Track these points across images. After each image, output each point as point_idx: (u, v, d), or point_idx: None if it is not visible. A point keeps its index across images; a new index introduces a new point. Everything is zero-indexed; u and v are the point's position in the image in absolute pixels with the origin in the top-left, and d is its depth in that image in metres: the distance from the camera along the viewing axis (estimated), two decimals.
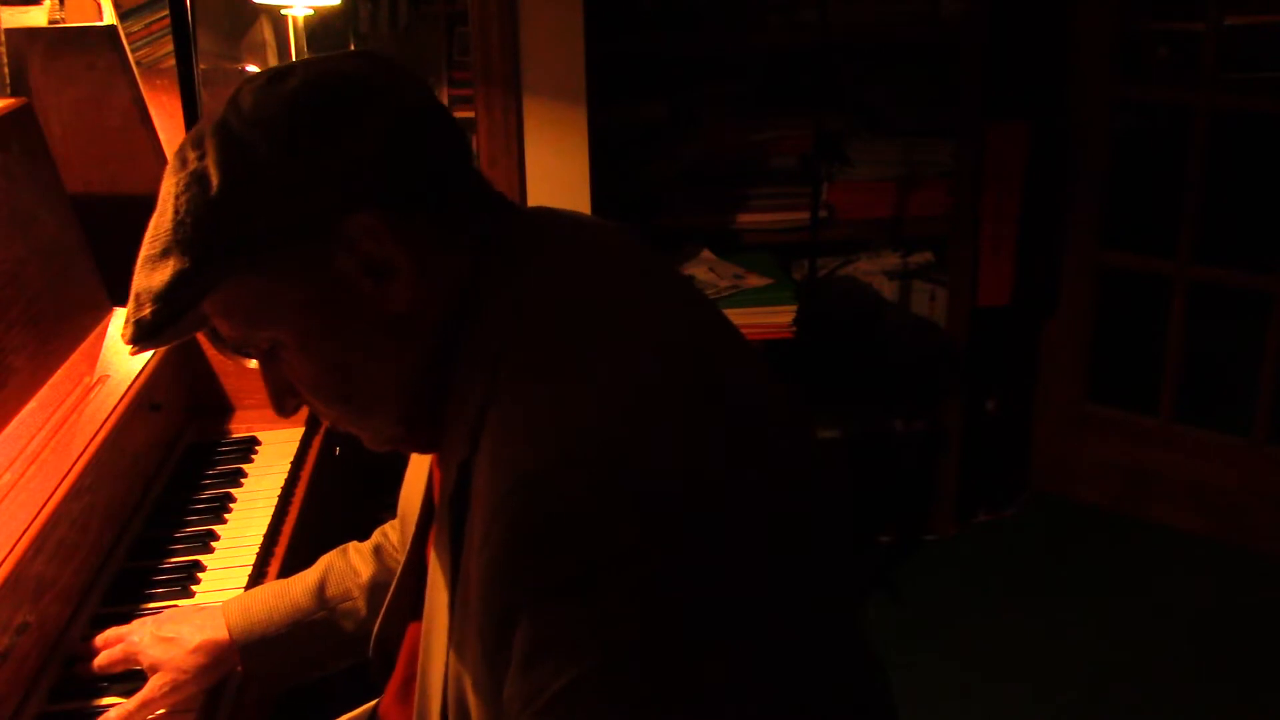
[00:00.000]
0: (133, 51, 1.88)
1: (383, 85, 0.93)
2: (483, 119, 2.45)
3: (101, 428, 1.44)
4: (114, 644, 1.28)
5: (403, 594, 1.18)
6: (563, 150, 2.48)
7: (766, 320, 2.53)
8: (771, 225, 2.81)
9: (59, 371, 1.51)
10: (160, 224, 0.91)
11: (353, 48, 2.51)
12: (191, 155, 0.90)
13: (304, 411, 1.02)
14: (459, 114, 2.51)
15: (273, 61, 2.42)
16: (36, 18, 1.83)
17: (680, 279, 1.08)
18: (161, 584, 1.42)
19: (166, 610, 1.34)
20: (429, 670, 1.01)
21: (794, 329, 2.52)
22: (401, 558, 1.19)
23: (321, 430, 1.76)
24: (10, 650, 1.17)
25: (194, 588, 1.42)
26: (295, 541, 1.56)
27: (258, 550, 1.50)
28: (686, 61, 2.94)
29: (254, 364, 1.51)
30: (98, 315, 1.63)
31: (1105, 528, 3.02)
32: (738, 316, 2.50)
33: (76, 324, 1.57)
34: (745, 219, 2.82)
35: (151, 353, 1.47)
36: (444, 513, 0.94)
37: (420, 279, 0.91)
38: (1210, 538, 2.93)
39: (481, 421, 0.88)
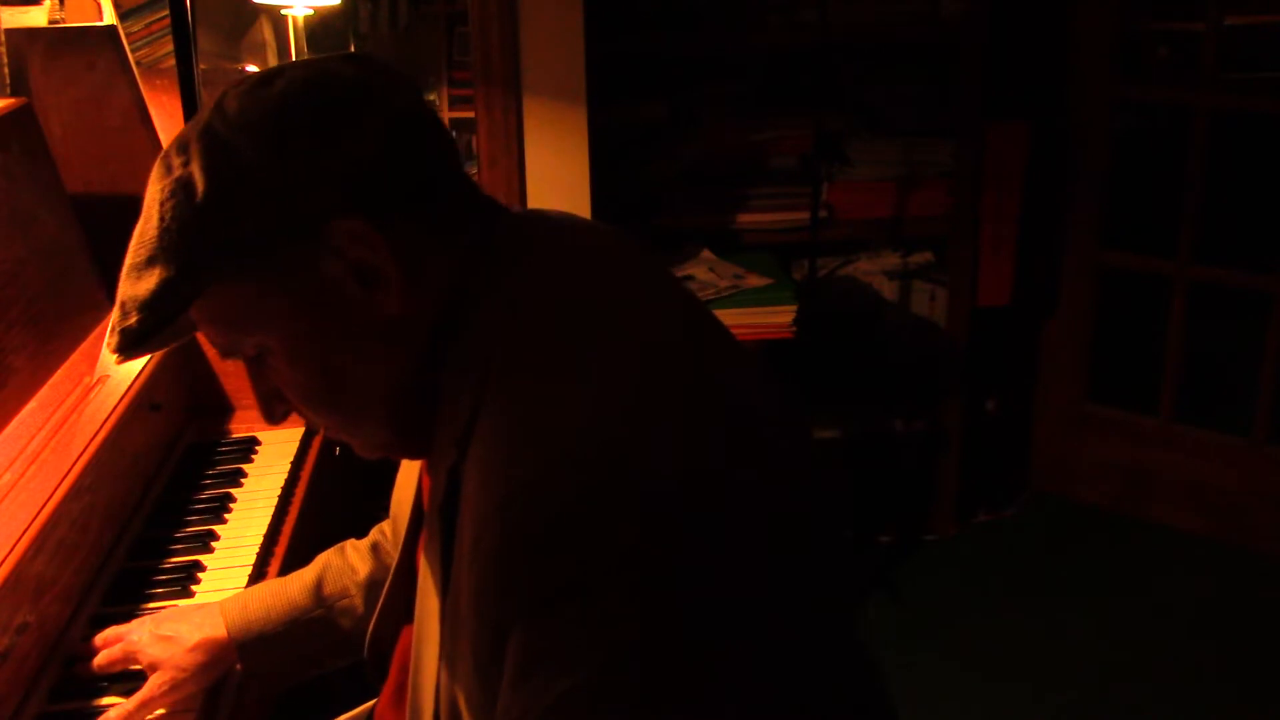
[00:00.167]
0: (133, 51, 1.88)
1: (369, 88, 0.92)
2: (483, 119, 2.45)
3: (101, 428, 1.44)
4: (113, 643, 1.28)
5: (395, 597, 1.17)
6: (563, 150, 2.48)
7: (766, 320, 2.53)
8: (771, 225, 2.81)
9: (59, 371, 1.51)
10: (145, 231, 0.90)
11: (353, 48, 2.51)
12: (176, 161, 0.89)
13: None
14: (459, 114, 2.51)
15: (273, 61, 2.42)
16: (36, 18, 1.83)
17: (672, 279, 1.07)
18: (161, 584, 1.42)
19: (165, 609, 1.34)
20: (420, 680, 1.00)
21: (794, 329, 2.52)
22: (395, 557, 1.19)
23: (321, 431, 1.76)
24: (10, 650, 1.17)
25: (194, 588, 1.42)
26: (295, 541, 1.56)
27: (258, 550, 1.50)
28: (686, 61, 2.94)
29: None
30: (98, 315, 1.63)
31: (1105, 528, 3.02)
32: (738, 316, 2.54)
33: (76, 324, 1.57)
34: (745, 219, 2.82)
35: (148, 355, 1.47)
36: (433, 519, 0.93)
37: (409, 283, 0.91)
38: (1210, 538, 2.93)
39: (471, 427, 0.87)
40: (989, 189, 2.76)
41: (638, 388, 0.86)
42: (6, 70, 1.75)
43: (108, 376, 1.53)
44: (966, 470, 2.97)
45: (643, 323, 0.94)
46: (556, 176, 2.49)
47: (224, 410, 1.81)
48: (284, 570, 1.49)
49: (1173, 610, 2.70)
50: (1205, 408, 3.06)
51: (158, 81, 1.98)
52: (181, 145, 0.90)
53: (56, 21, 1.85)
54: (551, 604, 0.78)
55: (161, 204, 0.89)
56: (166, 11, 1.79)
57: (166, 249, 0.88)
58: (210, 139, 0.89)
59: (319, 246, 0.88)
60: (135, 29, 2.11)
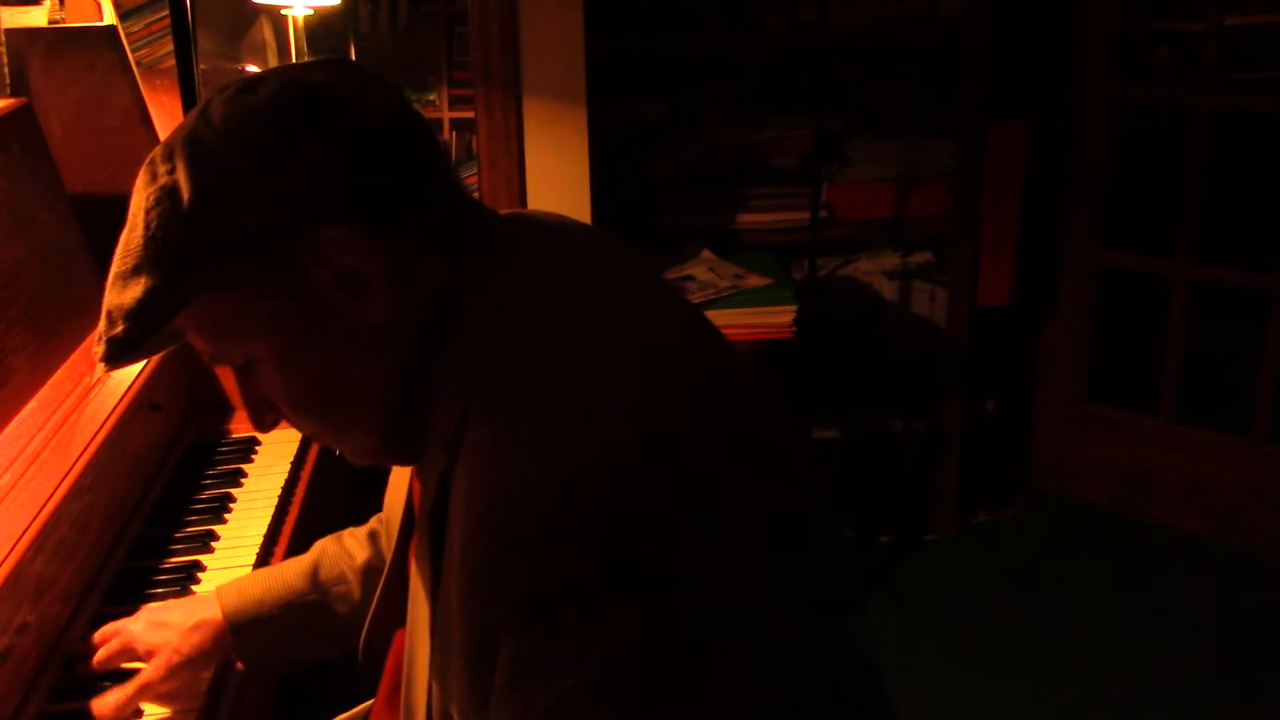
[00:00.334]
0: (133, 51, 1.88)
1: (354, 94, 0.91)
2: (483, 119, 2.45)
3: (101, 428, 1.44)
4: (110, 639, 1.29)
5: (388, 600, 1.17)
6: (563, 150, 2.48)
7: (766, 320, 2.53)
8: (771, 225, 2.81)
9: (59, 371, 1.51)
10: (131, 240, 0.89)
11: (353, 48, 2.51)
12: (162, 169, 0.89)
13: None
14: (459, 114, 2.51)
15: (273, 61, 2.42)
16: (36, 18, 1.83)
17: (662, 280, 1.07)
18: (161, 584, 1.42)
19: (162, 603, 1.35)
20: (412, 687, 1.00)
21: (794, 329, 2.52)
22: (388, 560, 1.19)
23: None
24: (10, 650, 1.17)
25: (194, 588, 1.42)
26: (295, 541, 1.56)
27: (258, 550, 1.50)
28: (686, 61, 2.94)
29: None
30: (97, 315, 1.62)
31: (1105, 528, 3.02)
32: (738, 316, 2.54)
33: (76, 324, 1.57)
34: (745, 219, 2.82)
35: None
36: (424, 525, 0.92)
37: (396, 290, 0.90)
38: (1210, 538, 2.93)
39: (461, 432, 0.86)
40: (989, 189, 2.76)
41: (638, 388, 0.86)
42: (6, 70, 1.76)
43: (108, 376, 1.54)
44: (966, 470, 2.97)
45: (642, 323, 0.93)
46: (556, 176, 2.49)
47: (224, 410, 1.81)
48: None
49: (1173, 610, 2.70)
50: (1205, 408, 3.06)
51: (158, 81, 1.98)
52: (167, 152, 0.89)
53: (56, 21, 1.85)
54: (549, 605, 0.77)
55: (147, 212, 0.88)
56: (166, 11, 1.79)
57: (152, 257, 0.88)
58: (195, 146, 0.88)
59: (305, 254, 0.88)
60: (135, 29, 2.11)
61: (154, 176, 0.89)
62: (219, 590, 1.30)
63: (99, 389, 1.52)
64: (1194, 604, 2.72)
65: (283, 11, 2.19)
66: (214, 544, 1.51)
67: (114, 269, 0.91)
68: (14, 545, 1.19)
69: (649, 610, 0.78)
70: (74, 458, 1.36)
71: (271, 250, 0.88)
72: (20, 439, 1.37)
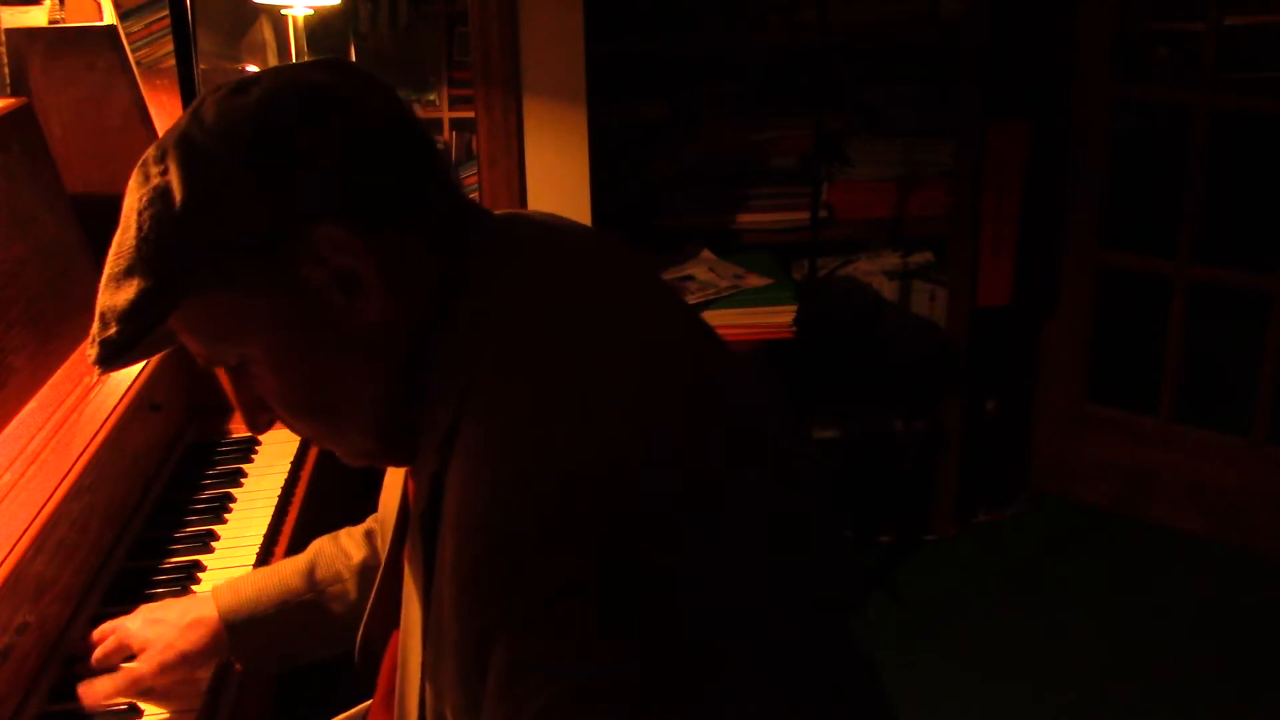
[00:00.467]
0: (133, 51, 1.88)
1: (348, 94, 0.91)
2: (483, 119, 2.45)
3: (101, 428, 1.44)
4: (108, 635, 1.29)
5: (383, 601, 1.16)
6: (563, 150, 2.48)
7: (766, 320, 2.53)
8: (771, 225, 2.81)
9: (59, 371, 1.51)
10: (123, 241, 0.89)
11: (353, 48, 2.51)
12: (154, 170, 0.89)
13: None
14: (459, 114, 2.51)
15: (273, 61, 2.42)
16: (36, 18, 1.83)
17: (661, 280, 1.07)
18: (161, 584, 1.42)
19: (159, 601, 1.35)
20: (405, 689, 1.00)
21: (794, 329, 2.52)
22: (383, 560, 1.19)
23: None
24: (10, 650, 1.17)
25: (194, 588, 1.42)
26: (295, 541, 1.56)
27: (258, 550, 1.50)
28: (686, 61, 2.94)
29: None
30: None
31: (1105, 528, 3.02)
32: (738, 316, 2.54)
33: (76, 324, 1.57)
34: (745, 219, 2.82)
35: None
36: (416, 526, 0.92)
37: (391, 290, 0.90)
38: (1210, 538, 2.93)
39: (454, 433, 0.86)
40: (989, 189, 2.76)
41: (638, 388, 0.85)
42: (6, 70, 1.75)
43: (108, 377, 1.54)
44: (966, 470, 2.97)
45: (641, 323, 0.93)
46: (556, 176, 2.49)
47: (224, 410, 1.81)
48: None
49: (1173, 610, 2.70)
50: (1205, 408, 3.06)
51: (158, 81, 1.98)
52: (159, 153, 0.89)
53: (56, 21, 1.85)
54: (549, 605, 0.77)
55: (139, 213, 0.88)
56: (166, 11, 1.80)
57: (145, 259, 0.88)
58: (188, 147, 0.88)
59: (299, 254, 0.88)
60: (135, 29, 2.11)
61: (146, 177, 0.89)
62: (215, 590, 1.30)
63: (99, 389, 1.52)
64: (1194, 604, 2.72)
65: (283, 11, 2.19)
66: (214, 544, 1.51)
67: (106, 271, 0.91)
68: (14, 545, 1.19)
69: (649, 610, 0.78)
70: (74, 458, 1.36)
71: (265, 250, 0.87)
72: (20, 439, 1.37)
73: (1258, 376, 2.82)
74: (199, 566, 1.46)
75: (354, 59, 2.51)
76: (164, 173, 0.88)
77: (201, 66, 1.80)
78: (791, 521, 0.90)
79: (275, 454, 1.72)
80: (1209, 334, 3.12)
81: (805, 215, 2.72)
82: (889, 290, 3.00)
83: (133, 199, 0.89)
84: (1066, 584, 2.81)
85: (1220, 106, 2.75)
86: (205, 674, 1.28)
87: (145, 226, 0.88)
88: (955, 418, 2.91)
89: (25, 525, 1.23)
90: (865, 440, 2.95)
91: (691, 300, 2.49)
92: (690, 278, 2.63)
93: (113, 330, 0.90)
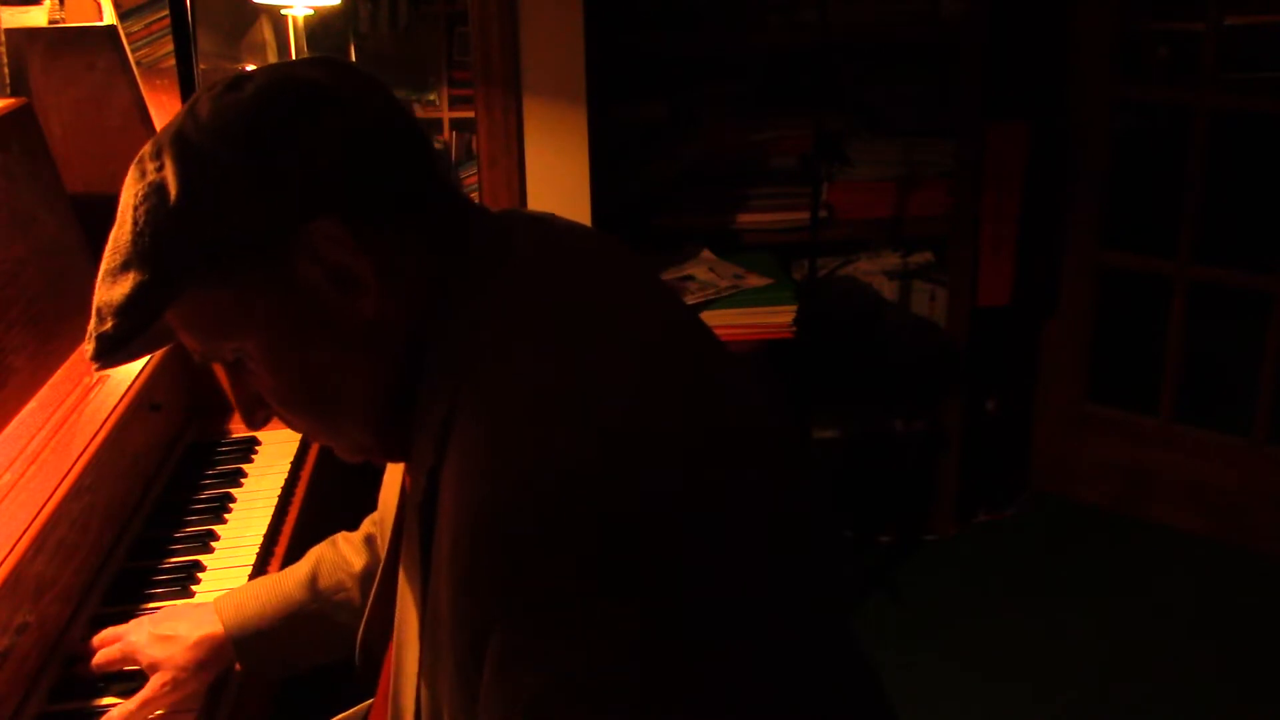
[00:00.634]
0: (133, 51, 1.88)
1: (342, 91, 0.91)
2: (483, 119, 2.45)
3: (101, 428, 1.44)
4: (110, 644, 1.28)
5: (383, 599, 1.16)
6: (563, 150, 2.48)
7: (766, 320, 2.53)
8: (771, 225, 2.81)
9: (59, 371, 1.51)
10: (120, 236, 0.90)
11: (353, 48, 2.51)
12: (150, 166, 0.89)
13: None
14: (459, 114, 2.51)
15: (273, 61, 2.42)
16: (36, 18, 1.83)
17: (659, 280, 1.07)
18: (161, 584, 1.42)
19: (162, 609, 1.34)
20: (401, 687, 1.00)
21: (794, 329, 2.52)
22: (382, 560, 1.19)
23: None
24: (10, 650, 1.17)
25: (194, 588, 1.42)
26: (295, 541, 1.56)
27: (258, 550, 1.50)
28: (686, 61, 2.94)
29: None
30: None
31: (1105, 528, 3.02)
32: (738, 316, 2.54)
33: (76, 324, 1.57)
34: (745, 219, 2.82)
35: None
36: (413, 522, 0.92)
37: (387, 286, 0.90)
38: (1210, 538, 2.93)
39: (448, 429, 0.86)
40: (989, 189, 2.76)
41: (637, 388, 0.85)
42: (6, 70, 1.76)
43: (108, 376, 1.54)
44: (966, 470, 2.97)
45: (641, 323, 0.93)
46: (556, 176, 2.49)
47: (224, 410, 1.81)
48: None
49: (1173, 610, 2.70)
50: (1205, 408, 3.06)
51: (158, 81, 1.98)
52: (155, 150, 0.90)
53: (56, 21, 1.85)
54: (547, 604, 0.77)
55: (135, 208, 0.88)
56: (166, 11, 1.80)
57: (141, 254, 0.88)
58: (183, 143, 0.88)
59: (295, 250, 0.88)
60: (135, 29, 2.11)
61: (142, 174, 0.89)
62: (218, 605, 1.29)
63: (99, 389, 1.52)
64: (1194, 604, 2.72)
65: (283, 11, 2.19)
66: (214, 544, 1.51)
67: (103, 266, 0.92)
68: (14, 545, 1.19)
69: (649, 610, 0.78)
70: (74, 458, 1.36)
71: (261, 246, 0.88)
72: (20, 439, 1.37)
73: (1258, 376, 2.82)
74: (199, 566, 1.46)
75: (354, 59, 2.51)
76: (160, 169, 0.88)
77: (201, 66, 1.80)
78: (791, 521, 0.90)
79: (275, 454, 1.72)
80: (1209, 334, 3.12)
81: (805, 215, 2.72)
82: (889, 290, 3.00)
83: (129, 195, 0.90)
84: (1066, 584, 2.81)
85: (1220, 106, 2.75)
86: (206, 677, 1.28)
87: (141, 221, 0.88)
88: (955, 418, 2.91)
89: (25, 525, 1.23)
90: (865, 440, 2.95)
91: (691, 300, 2.49)
92: (690, 278, 2.63)
93: (109, 325, 0.91)
